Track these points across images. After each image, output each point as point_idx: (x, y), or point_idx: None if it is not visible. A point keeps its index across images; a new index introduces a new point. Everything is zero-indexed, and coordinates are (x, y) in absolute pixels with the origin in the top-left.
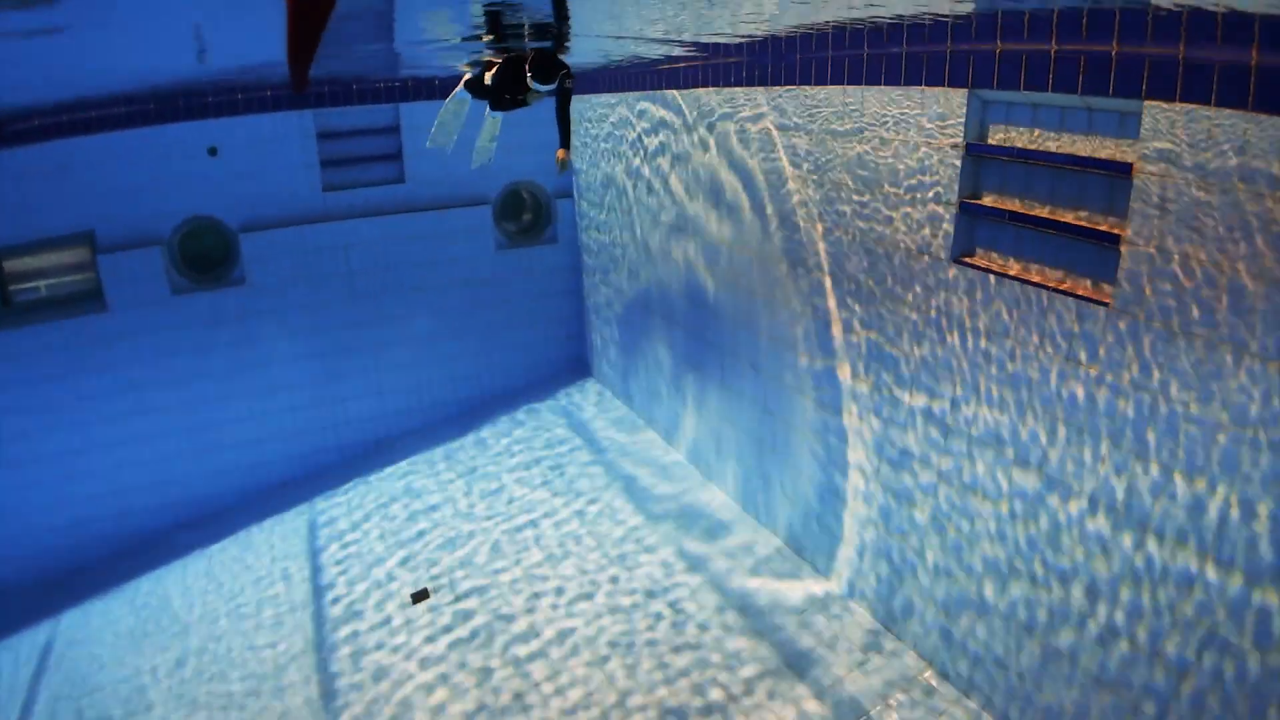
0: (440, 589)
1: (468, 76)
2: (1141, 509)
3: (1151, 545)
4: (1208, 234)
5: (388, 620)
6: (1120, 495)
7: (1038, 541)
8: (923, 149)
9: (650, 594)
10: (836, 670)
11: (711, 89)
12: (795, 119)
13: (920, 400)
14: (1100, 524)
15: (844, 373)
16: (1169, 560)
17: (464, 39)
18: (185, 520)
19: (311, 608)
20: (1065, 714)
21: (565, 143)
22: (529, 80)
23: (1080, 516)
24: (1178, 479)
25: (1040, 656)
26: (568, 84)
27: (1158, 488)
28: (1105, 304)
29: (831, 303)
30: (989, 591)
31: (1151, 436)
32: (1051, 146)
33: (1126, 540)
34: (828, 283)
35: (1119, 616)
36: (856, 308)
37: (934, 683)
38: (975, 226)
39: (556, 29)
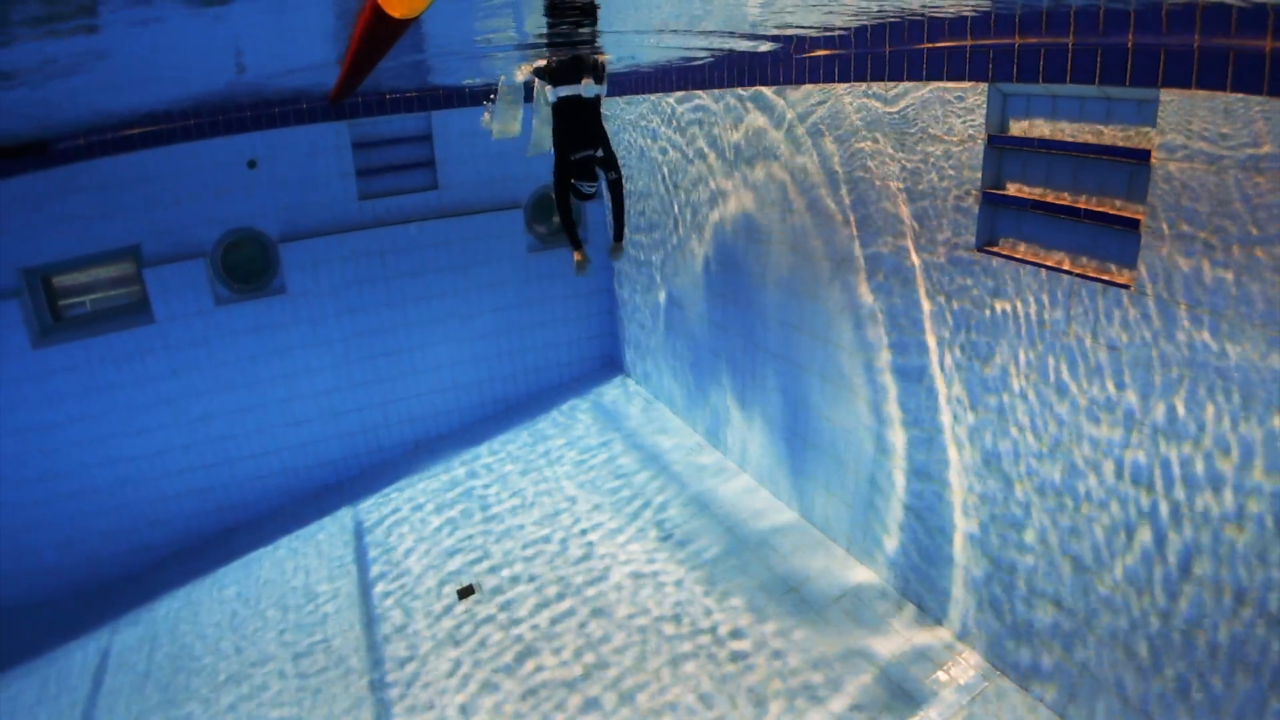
0: (484, 586)
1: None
2: (1170, 486)
3: (1187, 525)
4: (1225, 216)
5: (437, 620)
6: (1157, 474)
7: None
8: (946, 141)
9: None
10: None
11: (739, 87)
12: (831, 114)
13: (954, 389)
14: (1137, 504)
15: (891, 364)
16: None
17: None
18: (231, 525)
19: (360, 609)
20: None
21: (619, 235)
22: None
23: (1113, 495)
24: (1202, 458)
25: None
26: (613, 176)
27: (1185, 468)
28: (1126, 286)
29: (867, 295)
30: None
31: (1176, 415)
32: (1071, 136)
33: (1166, 513)
34: (863, 276)
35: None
36: (898, 301)
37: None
38: (998, 216)
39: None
